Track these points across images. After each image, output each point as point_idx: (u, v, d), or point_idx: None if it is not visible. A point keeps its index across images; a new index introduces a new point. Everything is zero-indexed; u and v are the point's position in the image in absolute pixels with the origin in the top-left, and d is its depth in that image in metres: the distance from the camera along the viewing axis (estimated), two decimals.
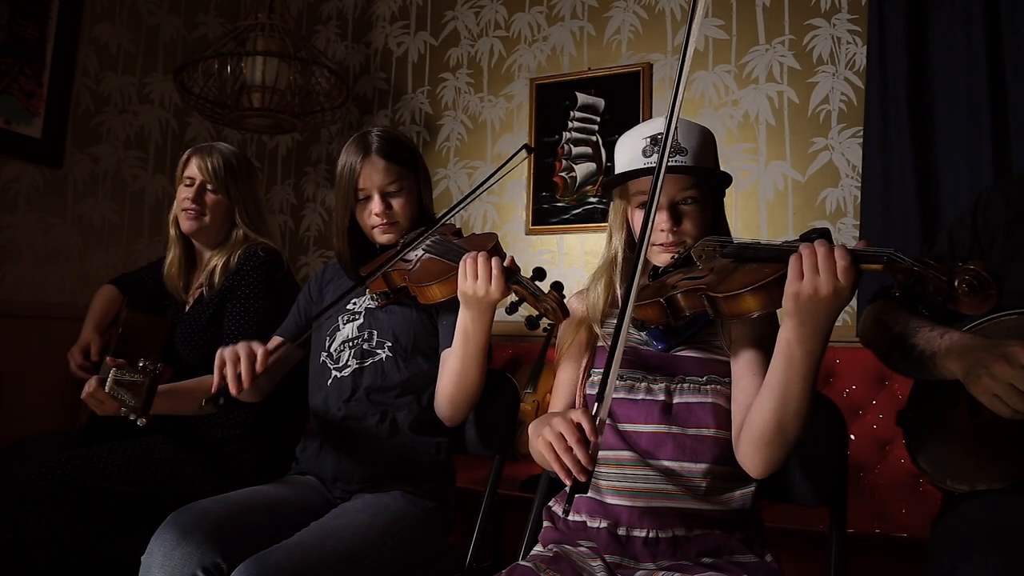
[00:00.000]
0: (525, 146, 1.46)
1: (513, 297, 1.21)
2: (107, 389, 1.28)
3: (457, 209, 1.39)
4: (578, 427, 0.92)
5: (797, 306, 0.90)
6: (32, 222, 2.58)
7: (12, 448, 1.70)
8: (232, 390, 1.26)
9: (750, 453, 1.02)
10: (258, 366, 1.27)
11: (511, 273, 1.19)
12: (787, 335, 0.93)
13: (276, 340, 1.54)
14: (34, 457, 1.54)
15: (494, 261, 1.18)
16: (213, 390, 1.27)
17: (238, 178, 1.77)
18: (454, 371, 1.33)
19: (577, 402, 1.22)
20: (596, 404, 0.94)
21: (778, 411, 0.96)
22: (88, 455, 1.49)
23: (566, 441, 0.91)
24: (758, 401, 0.99)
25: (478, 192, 1.39)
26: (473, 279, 1.19)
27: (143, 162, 2.97)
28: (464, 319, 1.28)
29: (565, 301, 1.16)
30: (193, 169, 1.75)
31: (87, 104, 2.77)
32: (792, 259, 0.90)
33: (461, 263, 1.21)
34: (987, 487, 1.06)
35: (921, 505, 1.93)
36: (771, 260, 0.98)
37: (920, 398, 1.21)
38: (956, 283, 0.84)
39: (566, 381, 1.24)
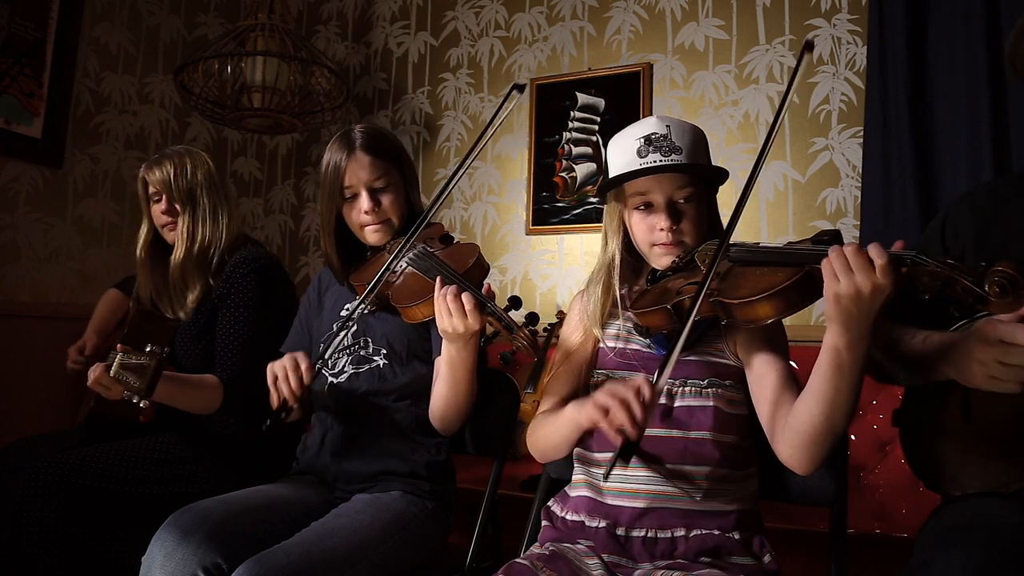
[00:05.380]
0: (515, 85, 1.33)
1: (489, 328, 1.18)
2: (112, 373, 1.31)
3: (460, 174, 1.34)
4: (637, 389, 0.92)
5: (840, 310, 0.88)
6: (32, 222, 2.58)
7: (12, 448, 1.70)
8: (291, 401, 1.25)
9: (797, 455, 1.01)
10: (305, 376, 1.26)
11: (484, 305, 1.16)
12: (834, 342, 0.91)
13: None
14: (34, 457, 1.54)
15: (465, 298, 1.15)
16: (273, 407, 1.27)
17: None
18: (442, 393, 1.32)
19: None
20: (657, 374, 0.95)
21: (828, 414, 0.95)
22: (88, 455, 1.49)
23: (621, 400, 0.92)
24: (803, 405, 0.98)
25: (476, 150, 1.33)
26: (448, 316, 1.17)
27: (143, 162, 2.96)
28: (448, 349, 1.26)
29: (552, 325, 1.15)
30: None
31: (87, 104, 2.77)
32: (824, 263, 0.89)
33: (435, 299, 1.19)
34: (977, 491, 1.06)
35: (921, 505, 1.92)
36: (783, 264, 0.97)
37: (915, 400, 1.20)
38: (986, 285, 0.80)
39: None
